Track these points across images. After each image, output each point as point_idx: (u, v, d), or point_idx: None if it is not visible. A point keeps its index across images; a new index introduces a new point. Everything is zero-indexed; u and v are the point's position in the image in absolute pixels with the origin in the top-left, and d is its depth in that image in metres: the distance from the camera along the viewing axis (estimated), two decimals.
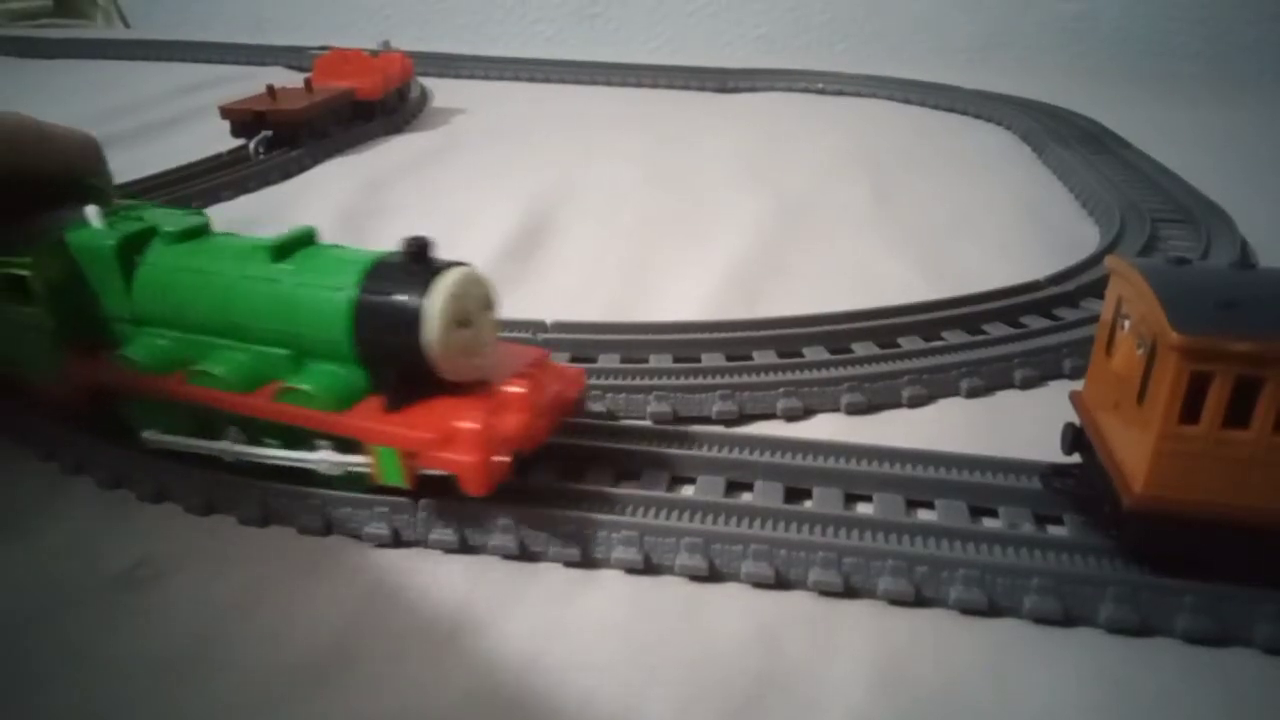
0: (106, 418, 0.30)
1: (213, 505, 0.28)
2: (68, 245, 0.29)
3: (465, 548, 0.26)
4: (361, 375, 0.27)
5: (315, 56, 0.79)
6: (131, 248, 0.29)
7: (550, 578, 0.26)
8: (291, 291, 0.27)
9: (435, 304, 0.25)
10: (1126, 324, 0.25)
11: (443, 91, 0.91)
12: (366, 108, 0.74)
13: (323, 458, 0.27)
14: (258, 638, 0.23)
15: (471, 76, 0.99)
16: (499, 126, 0.78)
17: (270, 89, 0.68)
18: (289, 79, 0.79)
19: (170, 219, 0.30)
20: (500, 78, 0.99)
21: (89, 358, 0.30)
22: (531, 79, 0.98)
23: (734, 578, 0.25)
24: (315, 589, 0.25)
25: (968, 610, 0.24)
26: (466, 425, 0.25)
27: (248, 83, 0.79)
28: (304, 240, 0.28)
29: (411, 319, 0.25)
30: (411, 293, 0.25)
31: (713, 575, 0.25)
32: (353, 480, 0.27)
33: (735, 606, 0.24)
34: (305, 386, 0.26)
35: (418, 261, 0.26)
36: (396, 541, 0.27)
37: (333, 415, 0.26)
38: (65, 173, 0.33)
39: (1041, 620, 0.24)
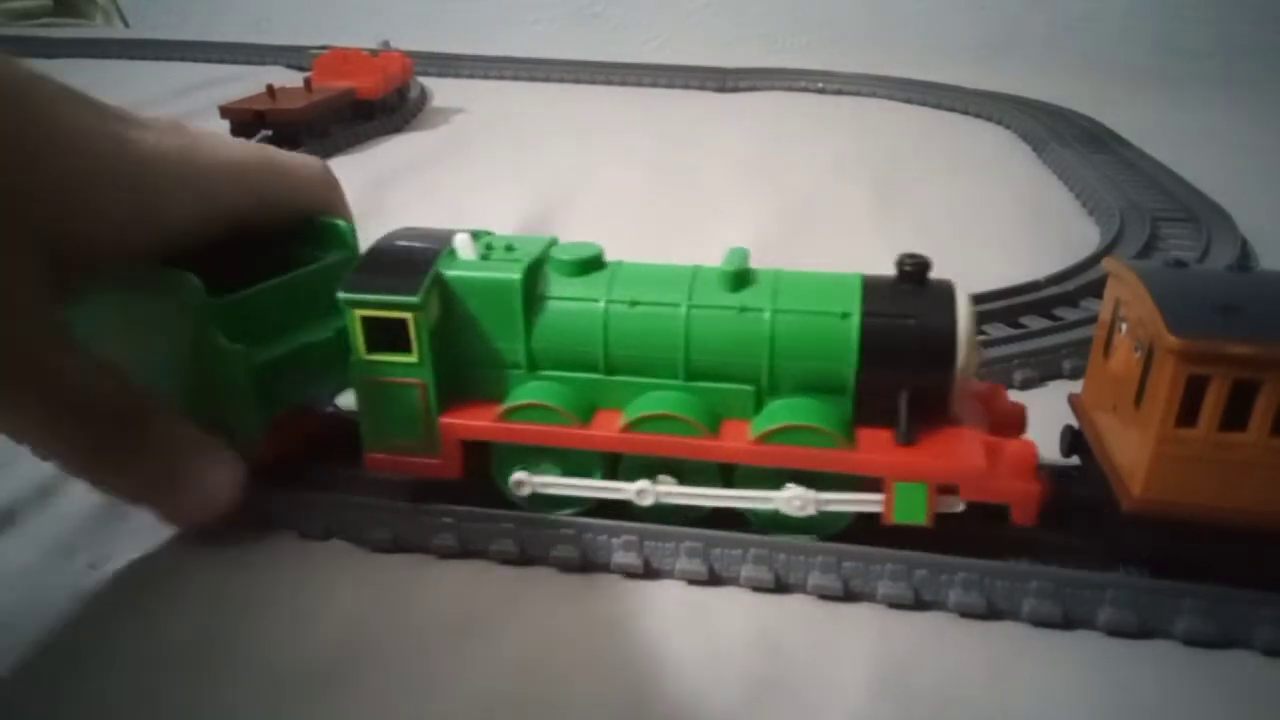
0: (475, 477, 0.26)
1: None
2: (449, 282, 0.25)
3: (466, 553, 0.26)
4: (845, 407, 0.24)
5: (315, 56, 0.79)
6: (531, 282, 0.25)
7: (550, 581, 0.26)
8: (772, 321, 0.24)
9: (966, 328, 0.23)
10: (1124, 326, 0.25)
11: (443, 91, 0.91)
12: (366, 107, 0.74)
13: (795, 495, 0.24)
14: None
15: (471, 76, 0.99)
16: (499, 126, 0.77)
17: (270, 88, 0.68)
18: (289, 79, 0.79)
19: (535, 245, 0.26)
20: (500, 77, 0.99)
21: (464, 410, 0.26)
22: (532, 78, 0.98)
23: (733, 582, 0.25)
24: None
25: (967, 614, 0.24)
26: (1017, 449, 0.23)
27: (247, 82, 0.79)
28: (739, 261, 0.25)
29: (944, 345, 0.23)
30: (937, 316, 0.23)
31: (712, 579, 0.25)
32: (789, 522, 0.25)
33: (735, 610, 0.24)
34: (817, 424, 0.24)
35: (911, 281, 0.24)
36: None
37: (844, 453, 0.24)
38: (300, 211, 0.28)
39: (1041, 623, 0.24)
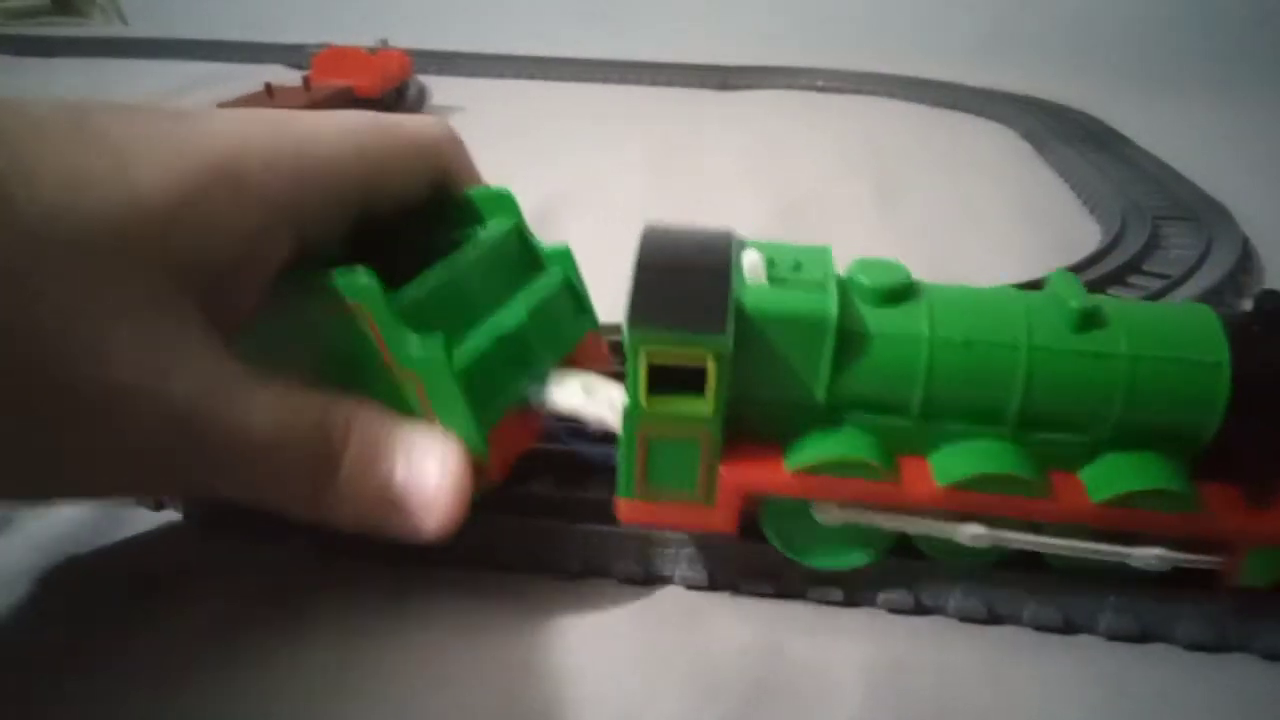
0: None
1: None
2: (748, 313, 0.21)
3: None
4: (1186, 460, 0.22)
5: (313, 54, 0.79)
6: (842, 314, 0.21)
7: (548, 587, 0.25)
8: (1131, 369, 0.21)
9: None
10: None
11: (441, 89, 0.90)
12: (365, 106, 0.74)
13: (1150, 553, 0.22)
14: None
15: (470, 74, 0.99)
16: (498, 124, 0.77)
17: (268, 87, 0.68)
18: (287, 77, 0.79)
19: (822, 262, 0.22)
20: (499, 75, 0.99)
21: (746, 459, 0.22)
22: (531, 76, 0.98)
23: (733, 588, 0.25)
24: None
25: (967, 618, 0.24)
26: None
27: (246, 81, 0.79)
28: (1076, 292, 0.22)
29: None
30: None
31: (712, 585, 0.25)
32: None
33: (734, 615, 0.24)
34: (1170, 487, 0.21)
35: (1274, 322, 0.21)
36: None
37: (1195, 517, 0.21)
38: (426, 183, 0.24)
39: (1041, 628, 0.24)
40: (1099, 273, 0.44)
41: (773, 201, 0.58)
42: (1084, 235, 0.52)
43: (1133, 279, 0.44)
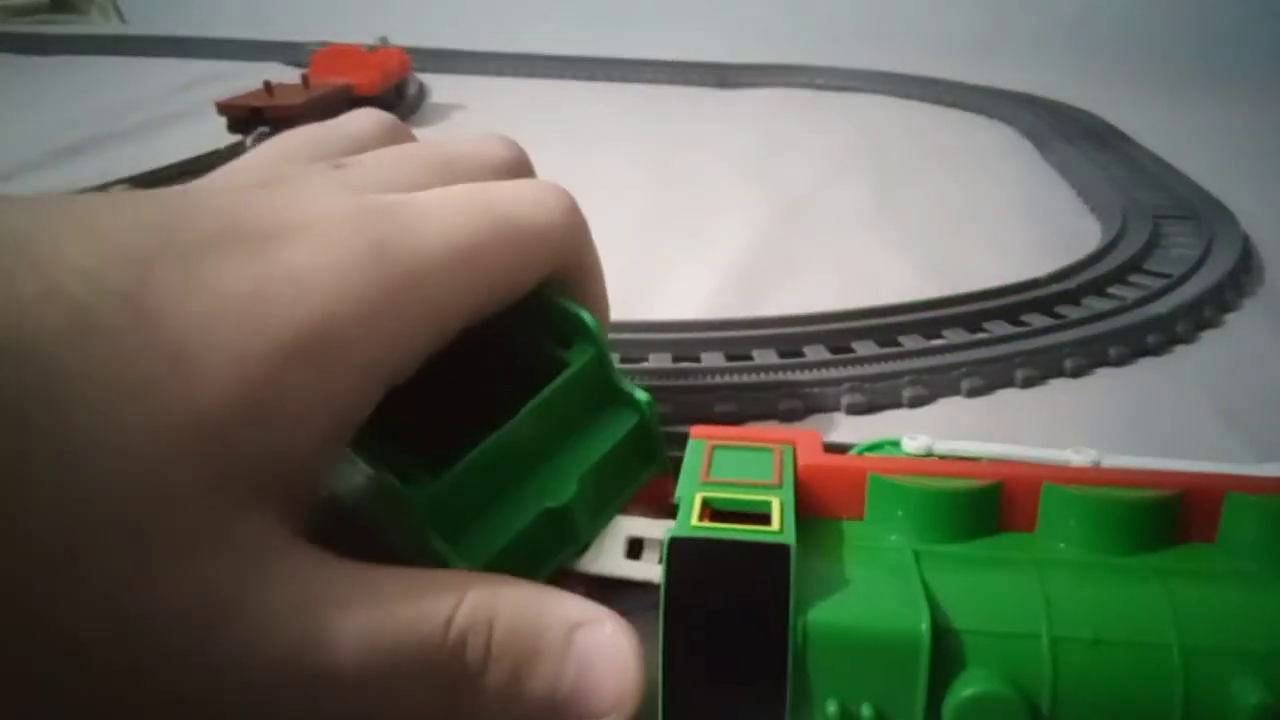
0: None
1: None
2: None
3: None
4: None
5: (313, 52, 0.79)
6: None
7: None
8: None
9: None
10: None
11: (440, 87, 0.90)
12: (364, 104, 0.74)
13: None
14: None
15: (469, 72, 0.98)
16: (497, 122, 0.77)
17: (267, 85, 0.68)
18: (286, 75, 0.79)
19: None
20: (499, 73, 0.99)
21: None
22: (530, 74, 0.98)
23: None
24: None
25: None
26: None
27: (245, 79, 0.79)
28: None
29: None
30: None
31: None
32: None
33: None
34: None
35: None
36: None
37: None
38: (534, 282, 0.19)
39: None
40: (1102, 270, 0.44)
41: (773, 198, 0.58)
42: (1084, 233, 0.52)
43: (1133, 278, 0.44)
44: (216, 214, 0.15)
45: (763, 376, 0.34)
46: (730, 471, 0.18)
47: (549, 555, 0.18)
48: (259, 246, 0.14)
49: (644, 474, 0.21)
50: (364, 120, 0.21)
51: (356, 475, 0.17)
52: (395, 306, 0.15)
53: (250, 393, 0.14)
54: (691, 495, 0.17)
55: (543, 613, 0.16)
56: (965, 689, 0.14)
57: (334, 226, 0.15)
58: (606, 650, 0.16)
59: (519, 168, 0.21)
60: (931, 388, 0.35)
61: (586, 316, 0.19)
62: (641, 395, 0.19)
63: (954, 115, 0.83)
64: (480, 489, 0.17)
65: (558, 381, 0.18)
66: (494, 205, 0.17)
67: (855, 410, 0.34)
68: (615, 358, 0.36)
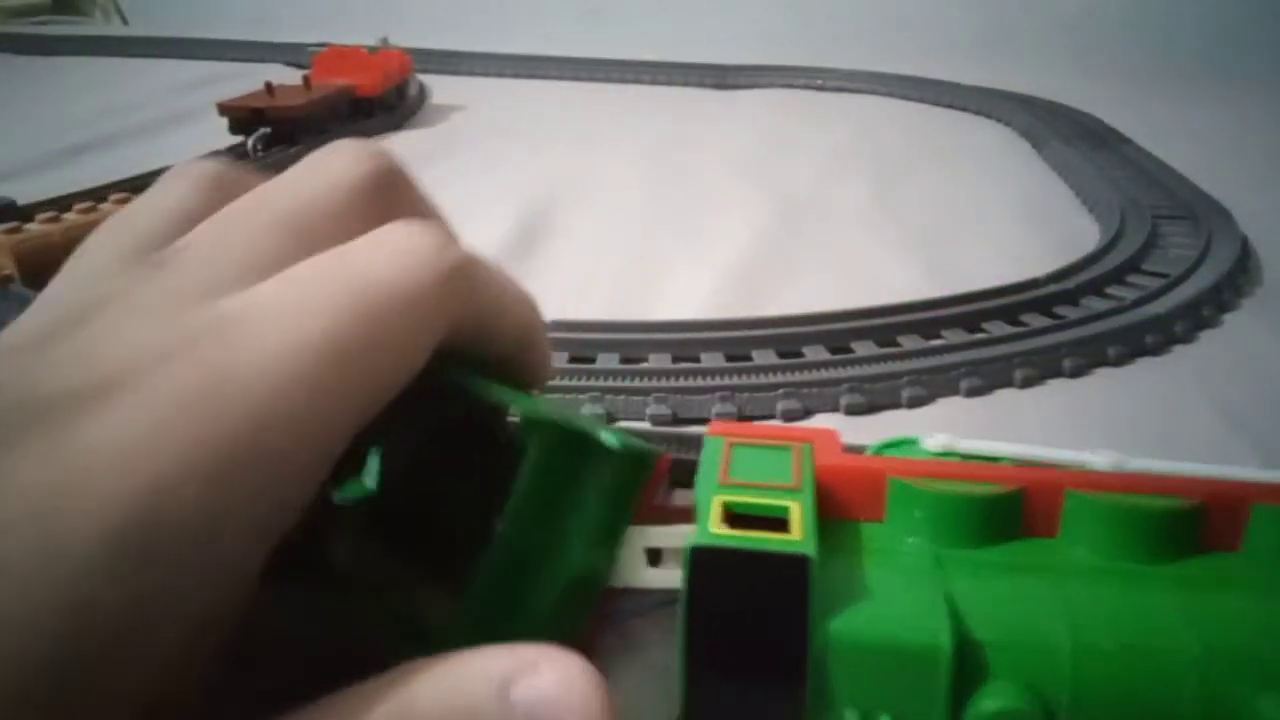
0: None
1: None
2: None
3: None
4: None
5: (314, 53, 0.79)
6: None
7: None
8: None
9: None
10: None
11: (441, 88, 0.90)
12: (365, 105, 0.74)
13: None
14: None
15: (470, 73, 0.99)
16: (498, 123, 0.77)
17: (268, 86, 0.68)
18: (288, 76, 0.79)
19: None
20: (499, 74, 0.99)
21: None
22: (531, 75, 0.98)
23: None
24: None
25: None
26: None
27: (246, 80, 0.79)
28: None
29: None
30: None
31: None
32: None
33: None
34: None
35: None
36: None
37: None
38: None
39: None
40: (1100, 271, 0.44)
41: (772, 199, 0.58)
42: (1083, 233, 0.52)
43: (1131, 278, 0.44)
44: (7, 389, 0.12)
45: (762, 377, 0.35)
46: (748, 472, 0.17)
47: (582, 608, 0.17)
48: (62, 423, 0.11)
49: (639, 480, 0.19)
50: (181, 187, 0.16)
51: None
52: (238, 470, 0.12)
53: (59, 624, 0.10)
54: (709, 499, 0.16)
55: (464, 679, 0.13)
56: (987, 702, 0.14)
57: (151, 376, 0.12)
58: (551, 697, 0.13)
59: (382, 185, 0.17)
60: (930, 388, 0.35)
61: (504, 394, 0.16)
62: (609, 438, 0.17)
63: (953, 116, 0.83)
64: (493, 599, 0.16)
65: (521, 482, 0.16)
66: (350, 279, 0.14)
67: (855, 411, 0.34)
68: (615, 358, 0.36)
